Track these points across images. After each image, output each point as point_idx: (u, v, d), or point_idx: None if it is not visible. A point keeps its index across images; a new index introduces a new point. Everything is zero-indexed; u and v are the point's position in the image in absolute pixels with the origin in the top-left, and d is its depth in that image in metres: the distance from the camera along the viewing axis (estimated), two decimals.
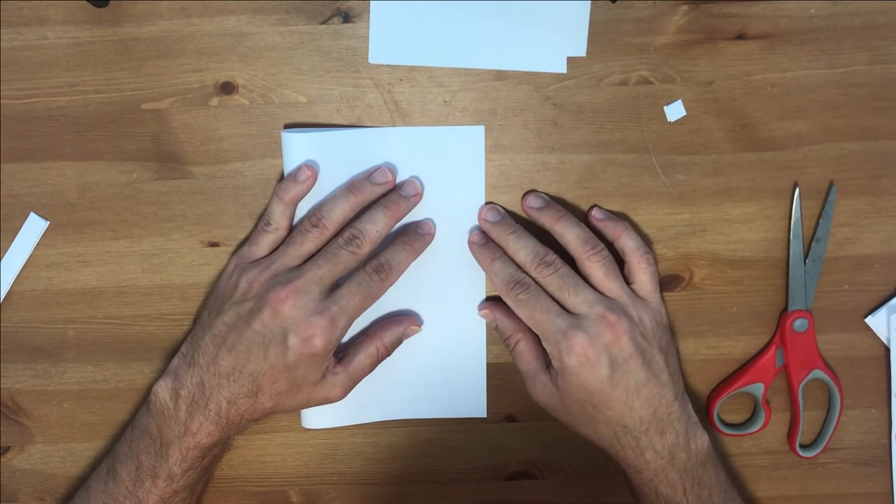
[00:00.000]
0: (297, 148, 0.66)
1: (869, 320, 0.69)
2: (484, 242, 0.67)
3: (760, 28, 0.65)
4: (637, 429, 0.63)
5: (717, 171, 0.67)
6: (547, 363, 0.65)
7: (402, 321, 0.68)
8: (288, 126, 0.67)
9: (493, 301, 0.68)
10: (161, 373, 0.66)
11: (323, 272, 0.62)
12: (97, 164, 0.67)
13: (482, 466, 0.72)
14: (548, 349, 0.64)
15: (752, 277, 0.69)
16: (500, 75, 0.66)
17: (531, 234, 0.65)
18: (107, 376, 0.70)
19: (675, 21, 0.65)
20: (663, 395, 0.63)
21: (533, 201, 0.67)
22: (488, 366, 0.70)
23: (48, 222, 0.68)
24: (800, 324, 0.68)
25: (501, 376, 0.70)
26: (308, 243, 0.64)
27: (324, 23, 0.65)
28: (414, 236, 0.66)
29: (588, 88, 0.66)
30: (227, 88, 0.66)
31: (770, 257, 0.68)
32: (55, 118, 0.66)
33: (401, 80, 0.66)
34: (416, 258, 0.66)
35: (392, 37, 0.65)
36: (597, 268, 0.64)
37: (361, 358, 0.66)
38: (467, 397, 0.70)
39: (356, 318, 0.63)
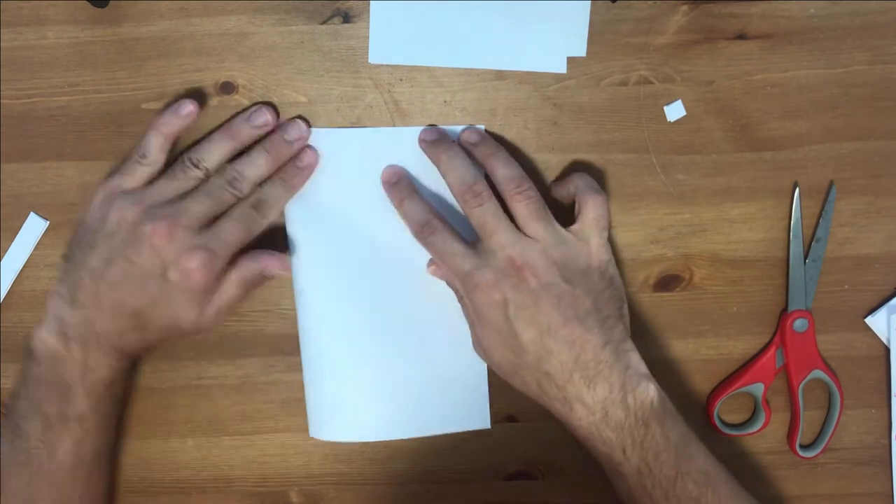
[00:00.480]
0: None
1: (869, 320, 0.69)
2: (395, 182, 0.66)
3: (760, 28, 0.65)
4: (560, 376, 0.60)
5: (717, 171, 0.67)
6: None
7: (267, 258, 0.65)
8: None
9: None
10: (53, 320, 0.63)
11: (202, 208, 0.62)
12: (97, 164, 0.67)
13: (482, 466, 0.72)
14: (458, 293, 0.64)
15: (752, 277, 0.69)
16: (501, 75, 0.66)
17: (466, 157, 0.64)
18: None
19: (675, 21, 0.65)
20: (587, 340, 0.60)
21: (469, 136, 0.65)
22: (488, 367, 0.69)
23: (48, 222, 0.68)
24: (800, 324, 0.68)
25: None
26: (188, 181, 0.63)
27: (324, 23, 0.65)
28: (293, 171, 0.65)
29: (588, 88, 0.66)
30: (227, 88, 0.66)
31: (770, 257, 0.68)
32: (55, 118, 0.66)
33: (401, 80, 0.66)
34: (294, 193, 0.66)
35: (392, 37, 0.65)
36: (521, 207, 0.62)
37: (226, 290, 0.64)
38: (470, 409, 0.69)
39: (235, 251, 0.63)
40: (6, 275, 0.68)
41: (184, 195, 0.62)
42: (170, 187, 0.62)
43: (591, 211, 0.62)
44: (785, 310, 0.69)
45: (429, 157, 0.65)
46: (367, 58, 0.66)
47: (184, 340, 0.69)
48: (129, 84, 0.66)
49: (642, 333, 0.70)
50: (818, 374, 0.69)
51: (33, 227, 0.68)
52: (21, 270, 0.69)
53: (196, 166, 0.63)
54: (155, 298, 0.61)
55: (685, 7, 0.65)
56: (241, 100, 0.66)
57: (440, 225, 0.63)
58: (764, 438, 0.71)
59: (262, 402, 0.71)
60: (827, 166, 0.67)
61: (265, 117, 0.65)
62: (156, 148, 0.63)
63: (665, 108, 0.66)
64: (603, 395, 0.60)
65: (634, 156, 0.67)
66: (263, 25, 0.65)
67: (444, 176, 0.64)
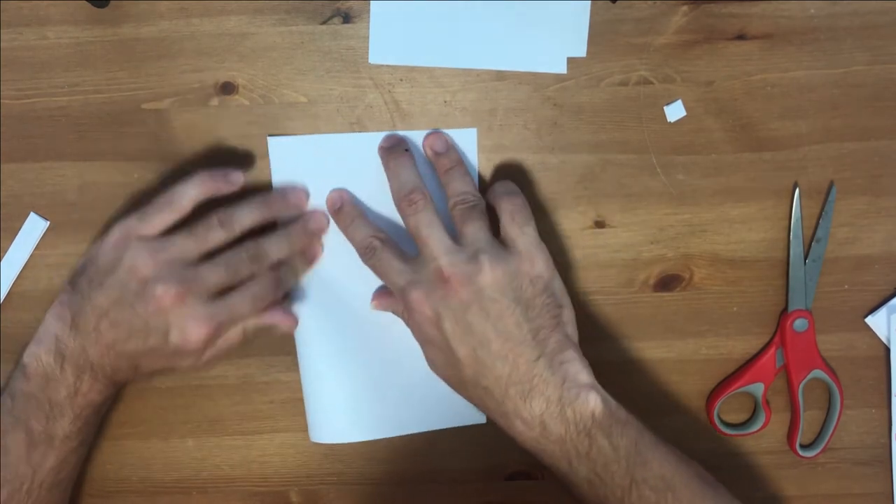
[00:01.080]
0: (284, 153, 0.66)
1: (869, 320, 0.69)
2: (339, 207, 0.66)
3: (760, 28, 0.65)
4: (497, 391, 0.59)
5: (717, 171, 0.67)
6: None
7: (275, 314, 0.66)
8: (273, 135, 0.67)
9: (378, 291, 0.68)
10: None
11: (218, 279, 0.62)
12: (97, 164, 0.67)
13: (482, 466, 0.72)
14: (404, 318, 0.63)
15: (752, 277, 0.69)
16: (501, 75, 0.66)
17: (415, 168, 0.64)
18: None
19: (675, 21, 0.65)
20: (519, 354, 0.59)
21: (433, 142, 0.65)
22: None
23: (48, 222, 0.68)
24: (800, 324, 0.68)
25: None
26: (211, 242, 0.62)
27: (324, 23, 0.65)
28: (311, 255, 0.67)
29: (588, 89, 0.66)
30: (227, 88, 0.66)
31: (770, 257, 0.68)
32: (55, 118, 0.66)
33: (401, 80, 0.66)
34: (311, 267, 0.67)
35: (392, 37, 0.65)
36: (457, 214, 0.62)
37: (229, 337, 0.64)
38: (466, 405, 0.69)
39: (242, 323, 0.64)
40: (6, 275, 0.68)
41: (202, 259, 0.62)
42: (189, 245, 0.62)
43: (505, 211, 0.61)
44: (785, 310, 0.69)
45: (383, 165, 0.65)
46: (368, 58, 0.65)
47: None
48: (129, 84, 0.66)
49: (642, 333, 0.70)
50: (818, 374, 0.69)
51: (33, 227, 0.68)
52: (21, 270, 0.68)
53: (222, 226, 0.62)
54: (153, 351, 0.62)
55: (685, 7, 0.65)
56: (241, 100, 0.66)
57: (379, 245, 0.63)
58: (764, 438, 0.71)
59: (262, 402, 0.71)
60: (827, 166, 0.67)
61: (300, 199, 0.66)
62: (188, 199, 0.62)
63: (665, 108, 0.66)
64: (540, 409, 0.59)
65: (634, 156, 0.67)
66: (263, 25, 0.65)
67: (388, 178, 0.64)
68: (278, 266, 0.65)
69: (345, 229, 0.66)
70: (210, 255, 0.62)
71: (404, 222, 0.62)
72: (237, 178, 0.63)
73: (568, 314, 0.62)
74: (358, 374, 0.68)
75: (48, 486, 0.63)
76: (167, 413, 0.71)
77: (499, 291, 0.59)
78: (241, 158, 0.67)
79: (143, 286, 0.60)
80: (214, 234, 0.62)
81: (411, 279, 0.61)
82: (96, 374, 0.62)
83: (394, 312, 0.66)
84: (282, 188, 0.66)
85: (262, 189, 0.67)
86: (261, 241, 0.64)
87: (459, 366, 0.60)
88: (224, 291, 0.62)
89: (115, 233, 0.62)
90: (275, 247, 0.64)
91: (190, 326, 0.61)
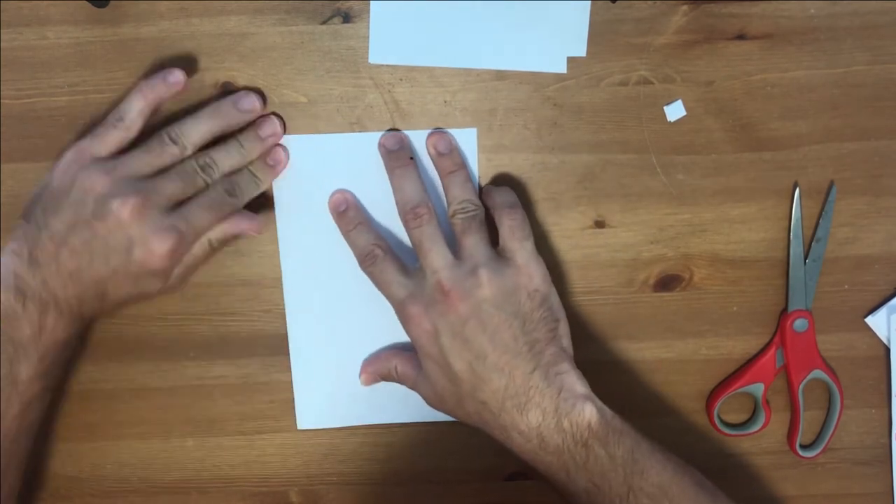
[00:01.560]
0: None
1: (869, 320, 0.69)
2: (343, 210, 0.66)
3: (760, 28, 0.65)
4: (494, 404, 0.60)
5: (718, 171, 0.67)
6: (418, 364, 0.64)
7: (238, 221, 0.65)
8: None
9: (368, 360, 0.69)
10: None
11: (174, 188, 0.61)
12: None
13: (481, 467, 0.72)
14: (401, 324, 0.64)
15: (752, 277, 0.69)
16: (501, 75, 0.66)
17: (420, 179, 0.65)
18: (107, 376, 0.70)
19: (675, 21, 0.65)
20: (515, 366, 0.59)
21: (437, 142, 0.65)
22: None
23: None
24: (800, 324, 0.68)
25: None
26: (164, 157, 0.61)
27: (324, 23, 0.65)
28: (263, 168, 0.65)
29: (588, 88, 0.66)
30: (227, 88, 0.66)
31: (770, 257, 0.68)
32: (55, 118, 0.66)
33: (401, 79, 0.66)
34: (262, 189, 0.66)
35: (392, 37, 0.65)
36: (457, 224, 0.62)
37: (193, 253, 0.64)
38: None
39: (203, 235, 0.63)
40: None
41: (157, 172, 0.61)
42: (143, 160, 0.61)
43: (505, 225, 0.62)
44: (785, 310, 0.69)
45: (384, 165, 0.66)
46: (368, 58, 0.65)
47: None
48: (129, 84, 0.66)
49: (642, 333, 0.70)
50: (818, 374, 0.69)
51: None
52: None
53: (174, 142, 0.62)
54: (117, 272, 0.60)
55: (685, 7, 0.65)
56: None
57: (381, 254, 0.64)
58: (764, 438, 0.71)
59: (262, 402, 0.71)
60: (827, 166, 0.67)
61: (253, 103, 0.64)
62: (135, 112, 0.62)
63: (665, 108, 0.66)
64: (536, 421, 0.59)
65: (634, 156, 0.67)
66: (263, 25, 0.65)
67: (392, 188, 0.65)
68: (233, 175, 0.64)
69: (346, 233, 0.66)
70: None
71: (408, 233, 0.63)
72: (176, 77, 0.62)
73: (563, 327, 0.63)
74: (347, 361, 0.69)
75: (13, 437, 0.61)
76: (167, 413, 0.71)
77: (497, 305, 0.60)
78: None
79: (99, 204, 0.59)
80: (168, 149, 0.62)
81: (411, 292, 0.62)
82: (61, 309, 0.60)
83: (382, 375, 0.68)
84: (235, 95, 0.65)
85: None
86: (210, 151, 0.63)
87: (457, 380, 0.61)
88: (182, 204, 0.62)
89: (68, 156, 0.62)
90: (223, 154, 0.63)
91: (152, 239, 0.59)
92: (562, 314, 0.63)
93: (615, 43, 0.65)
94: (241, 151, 0.64)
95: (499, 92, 0.66)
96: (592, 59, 0.65)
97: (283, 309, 0.69)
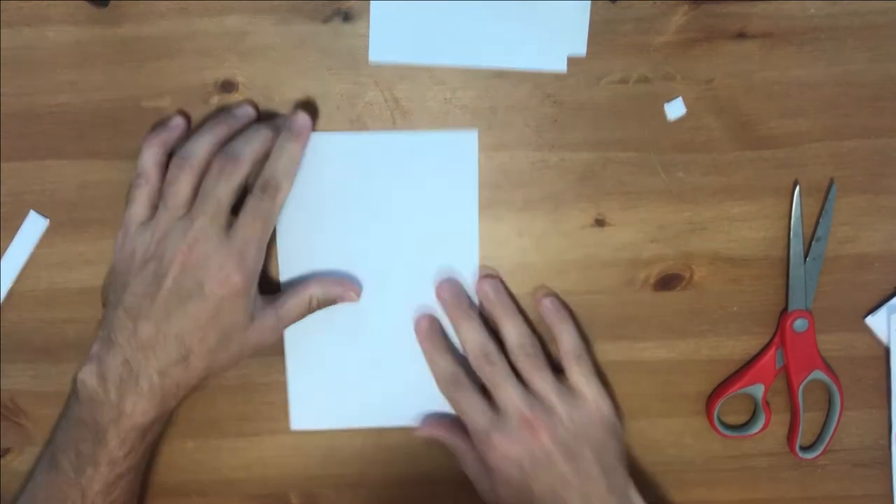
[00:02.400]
0: None
1: (869, 320, 0.69)
2: (427, 335, 0.68)
3: (760, 27, 0.65)
4: None
5: (718, 170, 0.67)
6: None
7: (343, 283, 0.67)
8: None
9: (431, 419, 0.70)
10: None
11: (211, 211, 0.61)
12: (97, 162, 0.67)
13: None
14: (460, 448, 0.67)
15: (752, 276, 0.69)
16: (501, 74, 0.66)
17: (483, 327, 0.67)
18: None
19: (675, 21, 0.65)
20: (594, 490, 0.63)
21: (486, 289, 0.68)
22: None
23: (48, 220, 0.68)
24: (800, 324, 0.68)
25: None
26: (182, 186, 0.62)
27: (324, 22, 0.65)
28: (288, 139, 0.64)
29: (588, 87, 0.66)
30: (228, 87, 0.66)
31: (770, 256, 0.68)
32: (55, 117, 0.66)
33: (401, 78, 0.66)
34: (298, 163, 0.64)
35: (392, 36, 0.65)
36: (523, 367, 0.66)
37: (293, 303, 0.65)
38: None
39: (265, 243, 0.63)
40: (6, 274, 0.68)
41: (192, 194, 0.62)
42: (174, 203, 0.62)
43: (577, 374, 0.66)
44: (785, 309, 0.69)
45: (447, 313, 0.68)
46: (368, 57, 0.66)
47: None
48: (129, 84, 0.66)
49: (642, 333, 0.70)
50: (818, 374, 0.69)
51: (33, 226, 0.68)
52: (22, 270, 0.68)
53: (181, 168, 0.62)
54: (197, 317, 0.61)
55: (685, 7, 0.65)
56: (241, 98, 0.66)
57: (466, 380, 0.66)
58: (764, 440, 0.71)
59: (262, 402, 0.71)
60: (827, 164, 0.67)
61: (247, 110, 0.66)
62: (150, 163, 0.63)
63: (665, 106, 0.66)
64: None
65: (634, 154, 0.67)
66: (264, 24, 0.65)
67: (459, 335, 0.67)
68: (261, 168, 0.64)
69: (431, 358, 0.68)
70: None
71: (479, 373, 0.66)
72: (177, 123, 0.65)
73: (623, 448, 0.67)
74: (343, 362, 0.69)
75: None
76: None
77: (576, 437, 0.64)
78: None
79: (158, 262, 0.61)
80: (182, 178, 0.62)
81: (496, 423, 0.64)
82: (141, 391, 0.61)
83: (445, 441, 0.69)
84: (227, 109, 0.66)
85: None
86: (220, 151, 0.63)
87: (533, 499, 0.64)
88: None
89: (119, 235, 0.64)
90: (242, 143, 0.63)
91: (215, 269, 0.61)
92: (623, 436, 0.68)
93: (615, 42, 0.65)
94: (258, 134, 0.63)
95: (499, 90, 0.66)
96: (593, 58, 0.66)
97: None
